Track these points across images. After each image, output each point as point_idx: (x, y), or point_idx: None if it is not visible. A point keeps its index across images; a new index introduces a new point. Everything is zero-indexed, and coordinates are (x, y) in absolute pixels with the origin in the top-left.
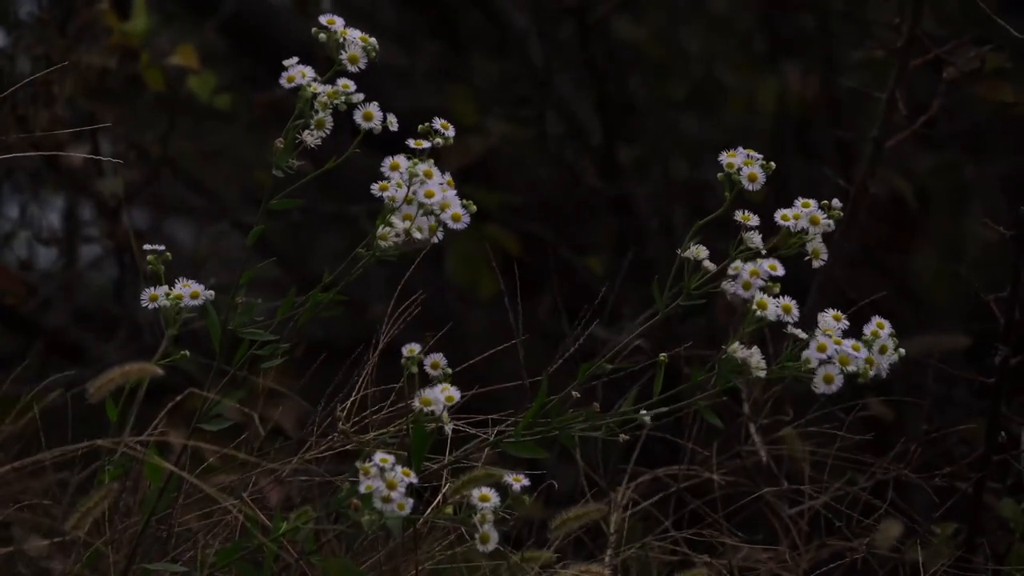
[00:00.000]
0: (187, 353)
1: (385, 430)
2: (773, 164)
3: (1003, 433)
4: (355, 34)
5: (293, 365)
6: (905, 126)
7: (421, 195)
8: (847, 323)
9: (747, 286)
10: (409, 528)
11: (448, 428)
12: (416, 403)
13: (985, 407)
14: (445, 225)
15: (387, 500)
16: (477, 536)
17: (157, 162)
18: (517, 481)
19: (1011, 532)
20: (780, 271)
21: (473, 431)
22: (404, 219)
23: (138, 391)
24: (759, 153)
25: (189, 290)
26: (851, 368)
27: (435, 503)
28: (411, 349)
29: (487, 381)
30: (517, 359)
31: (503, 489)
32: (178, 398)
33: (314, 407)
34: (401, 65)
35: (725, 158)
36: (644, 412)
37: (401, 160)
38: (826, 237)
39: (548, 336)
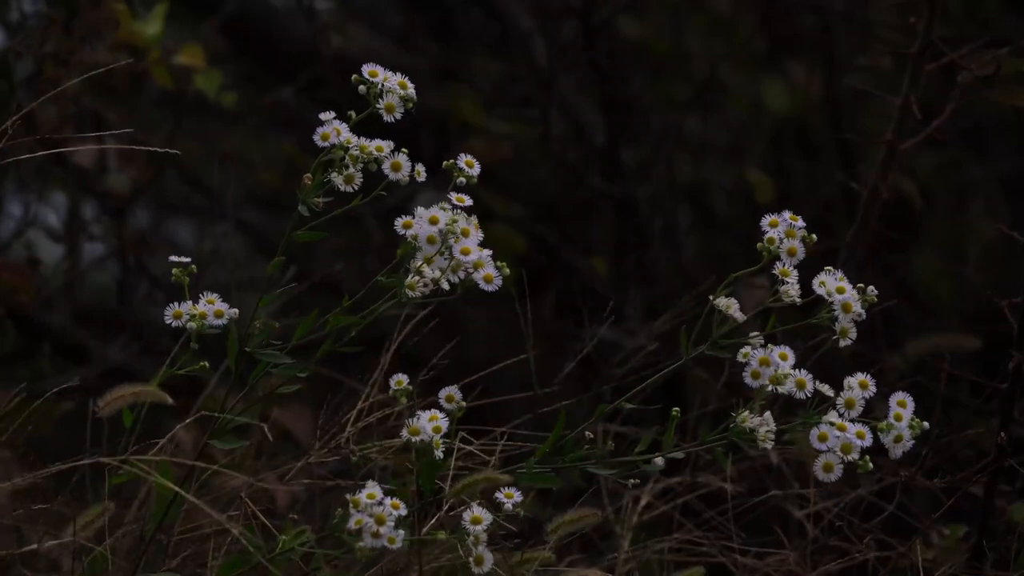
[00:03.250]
0: (207, 364)
1: (377, 447)
2: (815, 236)
3: (1002, 435)
4: (394, 81)
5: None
6: (918, 129)
7: (457, 251)
8: (874, 390)
9: (756, 375)
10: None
11: (439, 453)
12: (405, 433)
13: (990, 409)
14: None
15: (376, 536)
16: (471, 559)
17: (161, 161)
18: (509, 497)
19: (1021, 536)
20: (791, 359)
21: (476, 438)
22: (434, 268)
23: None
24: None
25: (213, 308)
26: (852, 457)
27: (437, 516)
28: (399, 381)
29: (488, 380)
30: (518, 357)
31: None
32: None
33: (319, 408)
34: (403, 64)
35: (767, 227)
36: (656, 456)
37: (440, 214)
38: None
39: (551, 336)
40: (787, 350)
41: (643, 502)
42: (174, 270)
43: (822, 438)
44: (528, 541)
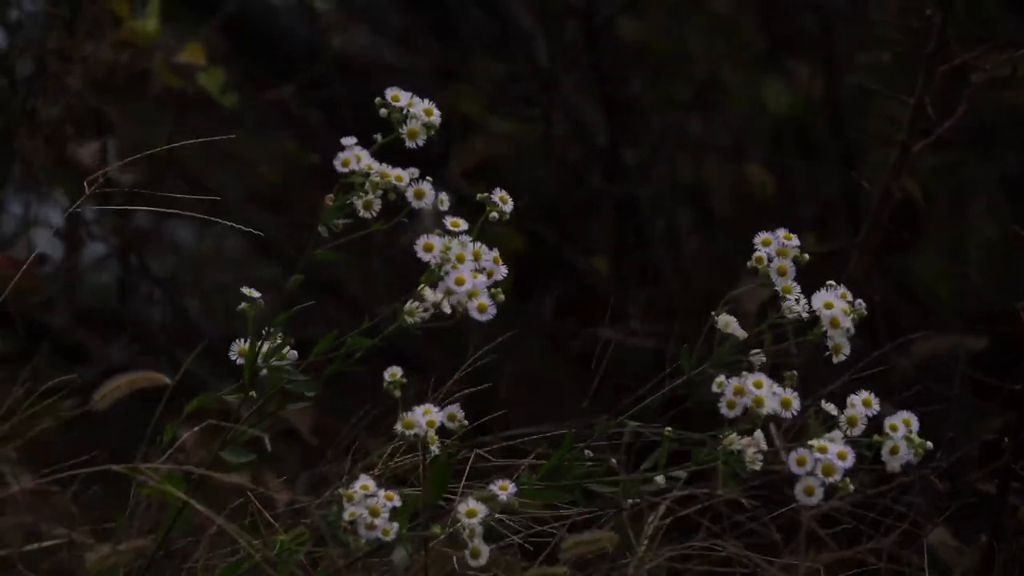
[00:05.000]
0: (254, 394)
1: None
2: (807, 256)
3: (1019, 434)
4: (419, 108)
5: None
6: (928, 129)
7: (451, 281)
8: (877, 408)
9: (731, 405)
10: (419, 548)
11: (434, 448)
12: (399, 427)
13: (998, 410)
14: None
15: (371, 527)
16: (468, 551)
17: (162, 161)
18: (503, 490)
19: None
20: (766, 386)
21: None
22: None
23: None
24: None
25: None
26: (833, 479)
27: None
28: (392, 373)
29: (487, 380)
30: (517, 356)
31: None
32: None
33: (322, 407)
34: (403, 65)
35: (760, 245)
36: (660, 476)
37: (435, 241)
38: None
39: (551, 335)
40: (762, 377)
41: (661, 510)
42: (243, 305)
43: (800, 462)
44: (540, 555)
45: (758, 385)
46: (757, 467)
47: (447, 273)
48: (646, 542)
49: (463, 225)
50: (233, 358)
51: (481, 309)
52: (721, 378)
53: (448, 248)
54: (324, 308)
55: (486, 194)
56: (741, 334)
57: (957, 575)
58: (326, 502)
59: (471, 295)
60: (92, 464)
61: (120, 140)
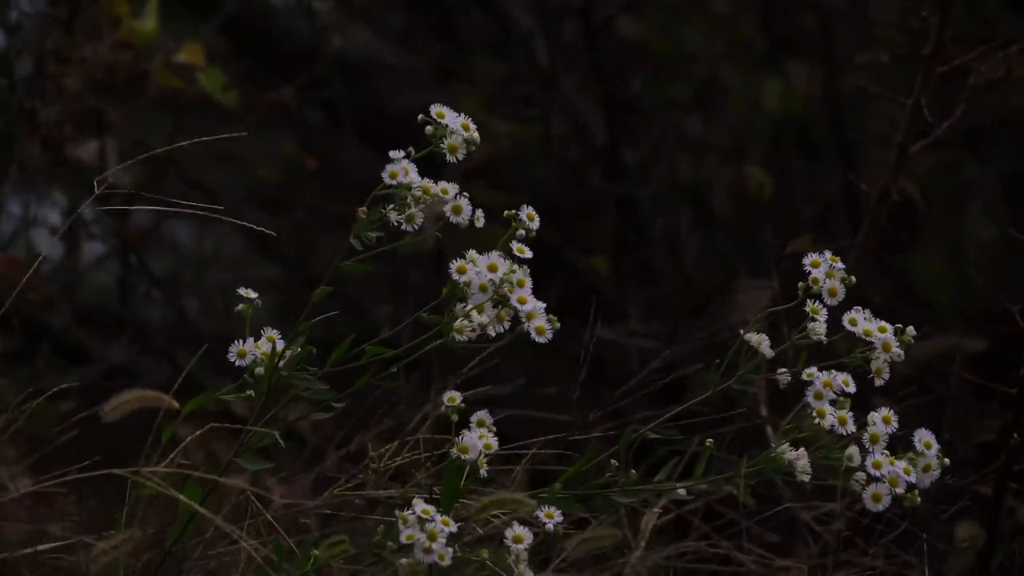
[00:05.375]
0: (252, 393)
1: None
2: (854, 279)
3: (1015, 436)
4: (457, 123)
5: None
6: (926, 130)
7: (514, 300)
8: (896, 426)
9: (819, 396)
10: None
11: (484, 472)
12: (453, 451)
13: (993, 411)
14: (529, 334)
15: (428, 551)
16: None
17: (162, 161)
18: (550, 517)
19: None
20: (852, 387)
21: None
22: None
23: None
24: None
25: (270, 345)
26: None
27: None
28: (452, 398)
29: (488, 380)
30: (516, 357)
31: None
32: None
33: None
34: (403, 65)
35: (809, 267)
36: (680, 486)
37: (480, 259)
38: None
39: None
40: (848, 376)
41: (656, 510)
42: (240, 307)
43: (876, 465)
44: (538, 556)
45: (846, 383)
46: (806, 478)
47: (508, 296)
48: (643, 543)
49: (528, 253)
50: (232, 360)
51: (539, 331)
52: (812, 369)
53: (512, 271)
54: (321, 305)
55: (514, 211)
56: (769, 353)
57: None
58: (326, 503)
59: (529, 316)
60: (93, 467)
61: (119, 140)
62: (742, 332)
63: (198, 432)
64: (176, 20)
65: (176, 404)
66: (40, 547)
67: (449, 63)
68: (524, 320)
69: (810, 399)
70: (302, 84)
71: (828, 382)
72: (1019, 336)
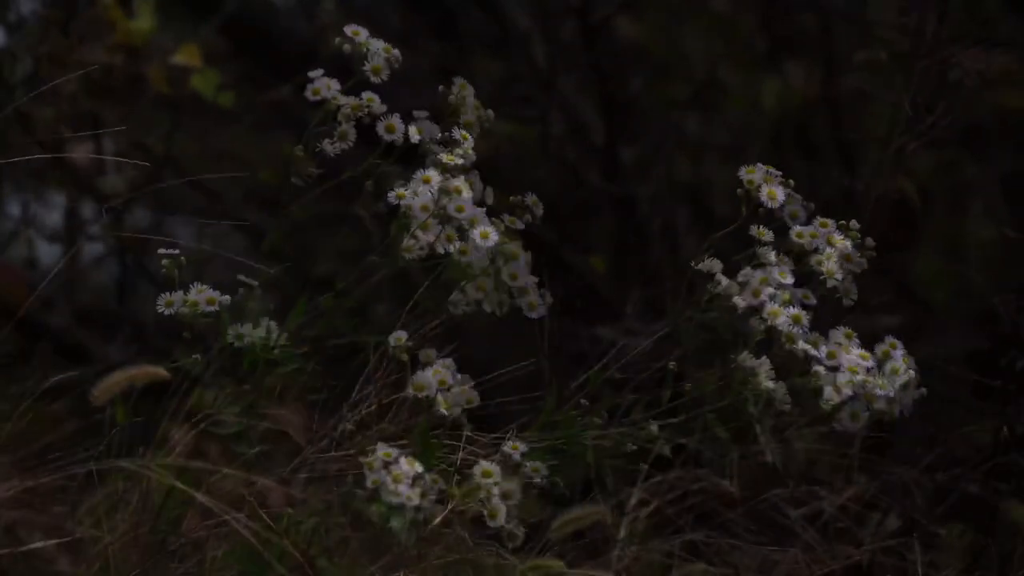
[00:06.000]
0: (199, 357)
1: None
2: (792, 182)
3: (1005, 429)
4: (379, 44)
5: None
6: (923, 130)
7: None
8: (868, 362)
9: (756, 293)
10: (417, 533)
11: (444, 411)
12: (409, 390)
13: (987, 408)
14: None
15: (395, 493)
16: (486, 512)
17: (160, 161)
18: (515, 449)
19: (1020, 535)
20: (789, 279)
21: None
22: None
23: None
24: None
25: (205, 296)
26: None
27: (443, 515)
28: (399, 338)
29: (488, 377)
30: (517, 354)
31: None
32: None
33: (314, 408)
34: (403, 64)
35: (744, 173)
36: (652, 421)
37: (433, 174)
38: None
39: (551, 335)
40: (786, 269)
41: (638, 499)
42: (164, 261)
43: (831, 355)
44: (529, 543)
45: (783, 276)
46: (787, 408)
47: (446, 204)
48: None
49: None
50: (160, 310)
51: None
52: (746, 269)
53: (448, 182)
54: (315, 300)
55: (519, 197)
56: (724, 280)
57: (949, 574)
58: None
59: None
60: (91, 462)
61: (118, 141)
62: (692, 264)
63: (193, 431)
64: (176, 20)
65: (165, 372)
66: (34, 545)
67: (449, 63)
68: (468, 228)
69: (750, 299)
70: (302, 84)
71: (764, 279)
72: (1018, 336)
